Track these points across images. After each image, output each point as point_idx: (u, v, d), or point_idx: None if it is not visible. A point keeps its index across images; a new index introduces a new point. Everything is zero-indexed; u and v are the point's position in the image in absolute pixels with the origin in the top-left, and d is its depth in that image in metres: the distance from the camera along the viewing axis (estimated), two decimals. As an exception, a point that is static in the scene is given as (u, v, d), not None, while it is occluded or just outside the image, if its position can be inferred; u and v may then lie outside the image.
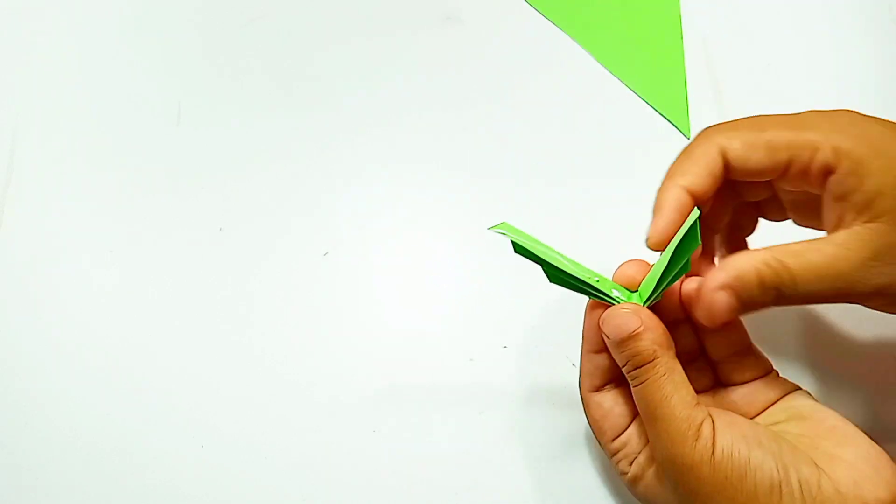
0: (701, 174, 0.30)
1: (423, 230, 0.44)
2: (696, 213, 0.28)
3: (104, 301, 0.42)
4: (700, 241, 0.28)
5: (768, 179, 0.31)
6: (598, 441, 0.33)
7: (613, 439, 0.32)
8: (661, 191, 0.31)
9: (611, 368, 0.32)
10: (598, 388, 0.33)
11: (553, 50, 0.49)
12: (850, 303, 0.29)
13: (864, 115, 0.31)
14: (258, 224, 0.44)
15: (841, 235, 0.29)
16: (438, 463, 0.38)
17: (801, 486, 0.28)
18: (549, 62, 0.48)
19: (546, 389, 0.40)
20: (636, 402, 0.30)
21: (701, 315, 0.30)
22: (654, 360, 0.29)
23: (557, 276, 0.32)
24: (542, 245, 0.32)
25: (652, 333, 0.30)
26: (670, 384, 0.29)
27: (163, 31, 0.49)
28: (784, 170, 0.30)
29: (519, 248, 0.32)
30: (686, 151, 0.31)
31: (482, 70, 0.47)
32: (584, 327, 0.33)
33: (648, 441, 0.31)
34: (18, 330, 0.42)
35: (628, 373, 0.30)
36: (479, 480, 0.38)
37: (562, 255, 0.32)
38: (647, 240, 0.31)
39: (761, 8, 0.50)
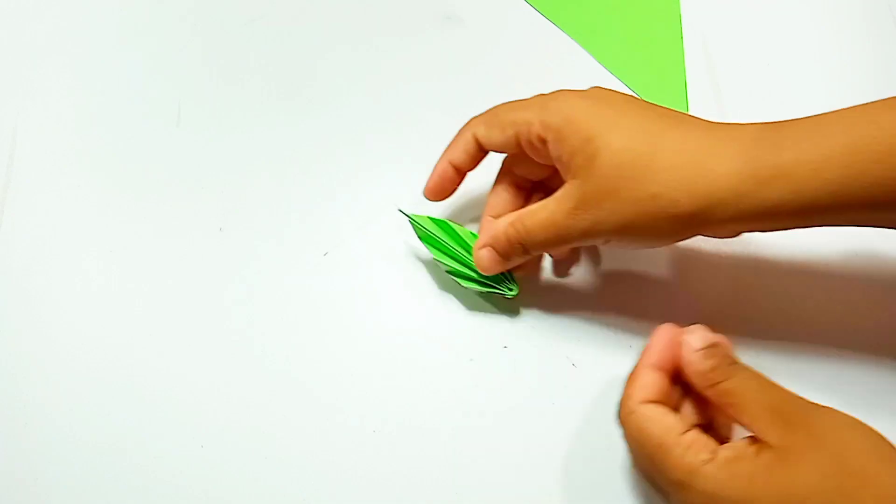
0: (459, 152, 0.39)
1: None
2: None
3: (104, 301, 0.42)
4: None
5: (517, 151, 0.38)
6: (658, 443, 0.32)
7: (683, 432, 0.32)
8: (437, 162, 0.40)
9: (664, 387, 0.34)
10: (649, 401, 0.34)
11: (553, 50, 0.49)
12: (571, 245, 0.37)
13: (578, 91, 0.37)
14: (258, 224, 0.44)
15: (558, 192, 0.36)
16: (438, 463, 0.38)
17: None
18: (550, 62, 0.48)
19: (546, 389, 0.40)
20: (733, 394, 0.32)
21: (479, 266, 0.39)
22: (737, 360, 0.33)
23: (450, 269, 0.41)
24: (457, 237, 0.41)
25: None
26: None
27: (163, 31, 0.49)
28: (517, 144, 0.37)
29: (422, 236, 0.41)
30: (455, 135, 0.40)
31: (483, 70, 0.47)
32: (651, 342, 0.35)
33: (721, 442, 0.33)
34: (18, 330, 0.42)
35: (725, 367, 0.33)
36: (479, 480, 0.38)
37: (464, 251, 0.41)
38: (423, 191, 0.41)
39: (761, 8, 0.50)
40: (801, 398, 0.32)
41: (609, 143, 0.34)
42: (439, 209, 0.44)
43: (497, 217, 0.40)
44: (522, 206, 0.40)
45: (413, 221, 0.41)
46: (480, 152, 0.39)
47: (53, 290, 0.42)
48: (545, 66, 0.48)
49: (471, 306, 0.42)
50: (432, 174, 0.41)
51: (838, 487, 0.29)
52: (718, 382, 0.33)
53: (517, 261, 0.39)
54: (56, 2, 0.50)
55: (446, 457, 0.39)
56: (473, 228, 0.42)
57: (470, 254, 0.41)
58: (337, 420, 0.39)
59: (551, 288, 0.42)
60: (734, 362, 0.33)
